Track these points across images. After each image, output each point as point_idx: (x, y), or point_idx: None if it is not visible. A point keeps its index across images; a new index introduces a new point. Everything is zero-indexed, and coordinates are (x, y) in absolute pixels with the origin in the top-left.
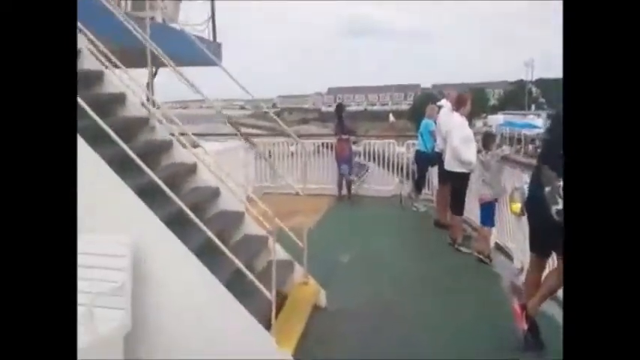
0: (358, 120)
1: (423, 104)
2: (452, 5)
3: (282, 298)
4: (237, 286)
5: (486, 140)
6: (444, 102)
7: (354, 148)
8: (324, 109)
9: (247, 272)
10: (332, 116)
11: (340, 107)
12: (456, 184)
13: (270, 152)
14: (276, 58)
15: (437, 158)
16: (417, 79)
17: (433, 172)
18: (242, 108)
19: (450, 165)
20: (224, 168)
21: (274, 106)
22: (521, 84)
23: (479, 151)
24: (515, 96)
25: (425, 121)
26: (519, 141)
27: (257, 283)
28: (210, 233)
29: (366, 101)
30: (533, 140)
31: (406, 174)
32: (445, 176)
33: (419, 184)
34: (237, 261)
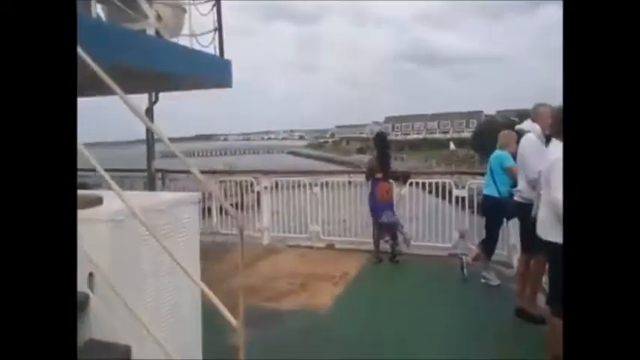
0: (417, 148)
1: (486, 131)
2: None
3: None
4: None
5: None
6: (528, 124)
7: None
8: None
9: None
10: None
11: (382, 137)
12: (556, 260)
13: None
14: (336, 85)
15: (515, 208)
16: (480, 106)
17: (512, 226)
18: (301, 138)
19: (548, 230)
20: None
21: (332, 135)
22: None
23: None
24: None
25: (497, 154)
26: None
27: None
28: None
29: (425, 129)
30: None
31: (469, 227)
32: (535, 243)
33: (488, 244)
34: None
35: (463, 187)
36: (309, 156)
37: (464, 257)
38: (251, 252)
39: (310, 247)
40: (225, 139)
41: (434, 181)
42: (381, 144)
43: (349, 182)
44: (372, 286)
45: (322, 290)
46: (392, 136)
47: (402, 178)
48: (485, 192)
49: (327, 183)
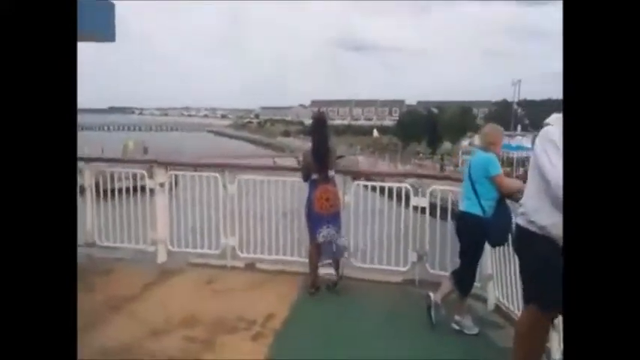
0: (342, 134)
1: (409, 121)
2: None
3: None
4: None
5: None
6: (555, 118)
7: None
8: (307, 121)
9: None
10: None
11: (320, 122)
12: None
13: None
14: (262, 67)
15: (507, 233)
16: (403, 95)
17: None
18: (224, 117)
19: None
20: None
21: (257, 116)
22: (505, 104)
23: None
24: (499, 116)
25: (480, 156)
26: (510, 163)
27: None
28: None
29: (350, 116)
30: (523, 163)
31: (430, 247)
32: (549, 293)
33: (465, 278)
34: None
35: (424, 195)
36: (232, 136)
37: (432, 295)
38: (138, 274)
39: (223, 267)
40: (140, 114)
41: (386, 184)
42: (319, 131)
43: (280, 181)
44: (308, 335)
45: (236, 349)
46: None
47: (349, 177)
48: (463, 208)
49: (246, 180)
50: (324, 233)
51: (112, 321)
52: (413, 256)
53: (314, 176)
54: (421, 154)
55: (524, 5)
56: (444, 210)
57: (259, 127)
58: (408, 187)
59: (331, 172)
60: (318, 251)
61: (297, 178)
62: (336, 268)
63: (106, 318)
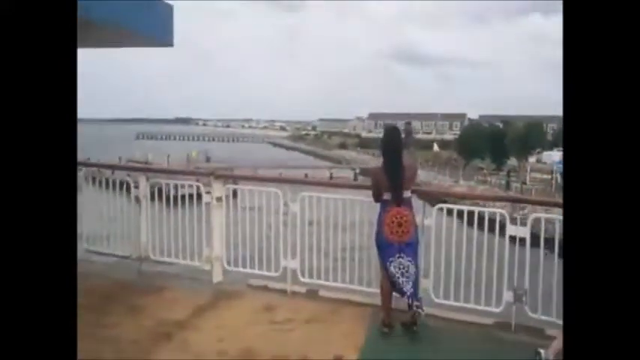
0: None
1: (470, 135)
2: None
3: None
4: None
5: None
6: None
7: (424, 221)
8: (364, 134)
9: None
10: (372, 142)
11: (392, 138)
12: None
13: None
14: (320, 80)
15: None
16: (463, 109)
17: None
18: (282, 129)
19: None
20: None
21: (314, 128)
22: None
23: None
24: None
25: None
26: None
27: None
28: None
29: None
30: None
31: (530, 285)
32: None
33: None
34: None
35: (523, 223)
36: (290, 148)
37: (542, 353)
38: (192, 295)
39: (282, 292)
40: (204, 124)
41: (476, 209)
42: (392, 144)
43: (348, 200)
44: None
45: None
46: (374, 133)
47: (428, 199)
48: None
49: (311, 198)
50: (396, 264)
51: (161, 352)
52: (508, 296)
53: (385, 196)
54: (485, 170)
55: None
56: (548, 241)
57: (316, 139)
58: (504, 213)
59: (407, 193)
60: (388, 284)
61: (368, 198)
62: (410, 306)
63: (155, 348)
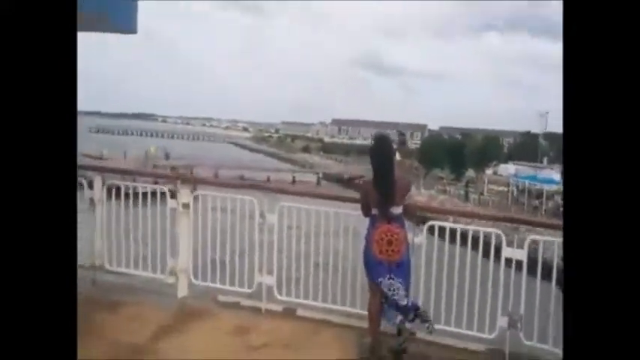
0: (364, 154)
1: (431, 145)
2: (468, 48)
3: None
4: None
5: None
6: None
7: (414, 239)
8: (327, 139)
9: None
10: (335, 147)
11: (383, 148)
12: None
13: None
14: (284, 82)
15: None
16: (424, 120)
17: None
18: (245, 130)
19: None
20: None
21: (277, 131)
22: (530, 135)
23: None
24: (525, 147)
25: None
26: (538, 196)
27: None
28: None
29: (372, 136)
30: (552, 196)
31: (526, 310)
32: None
33: None
34: None
35: (521, 246)
36: (252, 149)
37: None
38: (153, 313)
39: (257, 310)
40: (164, 121)
41: (470, 228)
42: (381, 155)
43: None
44: None
45: None
46: (337, 139)
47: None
48: None
49: (290, 208)
50: (386, 284)
51: None
52: (502, 321)
53: (374, 211)
54: (444, 180)
55: (548, 39)
56: (545, 265)
57: (279, 141)
58: (500, 234)
59: (397, 209)
60: (379, 304)
61: (356, 210)
62: (399, 332)
63: None
